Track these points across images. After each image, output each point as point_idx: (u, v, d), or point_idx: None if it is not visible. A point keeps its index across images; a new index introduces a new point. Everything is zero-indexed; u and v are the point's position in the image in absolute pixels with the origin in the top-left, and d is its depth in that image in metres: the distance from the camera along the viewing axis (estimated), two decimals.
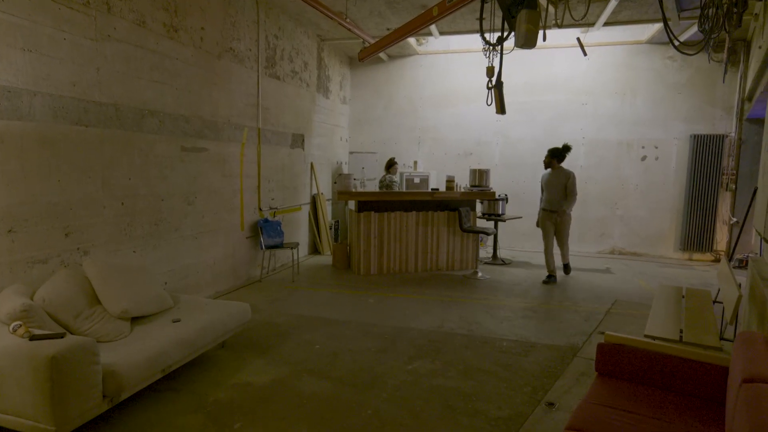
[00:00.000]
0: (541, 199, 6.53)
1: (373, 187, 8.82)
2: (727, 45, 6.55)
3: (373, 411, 2.95)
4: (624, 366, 2.54)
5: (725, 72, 6.94)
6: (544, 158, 6.47)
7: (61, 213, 3.52)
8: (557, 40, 7.64)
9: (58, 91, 3.45)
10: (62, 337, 2.50)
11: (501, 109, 5.12)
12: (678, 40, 3.96)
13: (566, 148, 6.35)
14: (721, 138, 7.54)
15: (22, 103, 3.20)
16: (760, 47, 5.06)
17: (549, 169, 6.46)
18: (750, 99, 6.76)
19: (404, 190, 8.23)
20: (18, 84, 3.18)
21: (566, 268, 6.64)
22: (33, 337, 2.46)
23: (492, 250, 7.64)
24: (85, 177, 3.71)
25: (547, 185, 6.42)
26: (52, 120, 3.42)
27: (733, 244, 7.22)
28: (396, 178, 7.67)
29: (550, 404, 3.07)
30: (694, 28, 6.17)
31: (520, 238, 8.67)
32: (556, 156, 6.35)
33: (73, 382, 2.38)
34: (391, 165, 7.64)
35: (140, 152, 4.25)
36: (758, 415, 1.51)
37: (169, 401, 3.03)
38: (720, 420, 2.14)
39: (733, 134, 7.52)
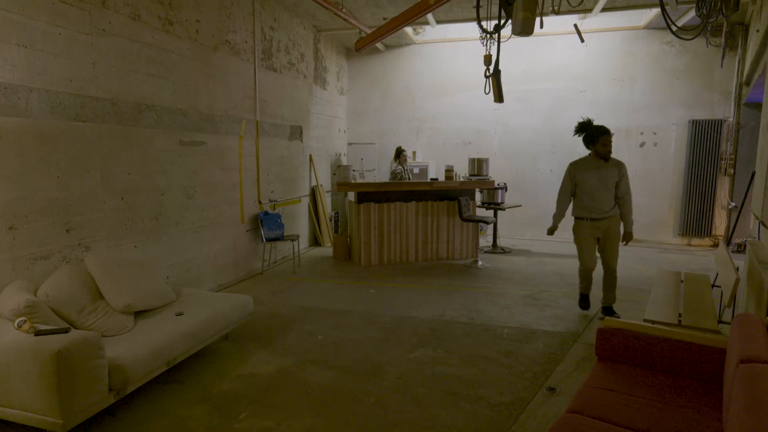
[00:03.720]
0: (582, 204, 4.39)
1: (371, 177, 8.83)
2: (724, 29, 6.52)
3: (377, 399, 2.99)
4: (624, 350, 2.56)
5: (723, 56, 6.91)
6: (597, 137, 4.23)
7: (62, 209, 3.53)
8: (555, 27, 7.59)
9: (55, 86, 3.45)
10: (67, 332, 2.52)
11: (499, 97, 5.12)
12: (676, 25, 3.95)
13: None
14: (720, 123, 7.53)
15: (19, 100, 3.19)
16: (757, 31, 5.05)
17: (591, 157, 4.35)
18: (748, 83, 6.74)
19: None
20: (14, 80, 3.17)
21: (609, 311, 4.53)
22: (38, 333, 2.48)
23: (492, 239, 7.66)
24: (84, 172, 3.71)
25: (590, 181, 4.28)
26: (50, 116, 3.42)
27: (731, 229, 7.24)
28: (399, 168, 7.51)
29: (551, 389, 3.11)
30: (692, 13, 6.14)
31: (519, 227, 8.69)
32: None
33: (79, 375, 2.40)
34: (398, 154, 7.61)
35: (139, 147, 4.25)
36: (754, 394, 1.53)
37: (175, 393, 3.06)
38: (718, 401, 2.17)
39: (731, 119, 7.51)
